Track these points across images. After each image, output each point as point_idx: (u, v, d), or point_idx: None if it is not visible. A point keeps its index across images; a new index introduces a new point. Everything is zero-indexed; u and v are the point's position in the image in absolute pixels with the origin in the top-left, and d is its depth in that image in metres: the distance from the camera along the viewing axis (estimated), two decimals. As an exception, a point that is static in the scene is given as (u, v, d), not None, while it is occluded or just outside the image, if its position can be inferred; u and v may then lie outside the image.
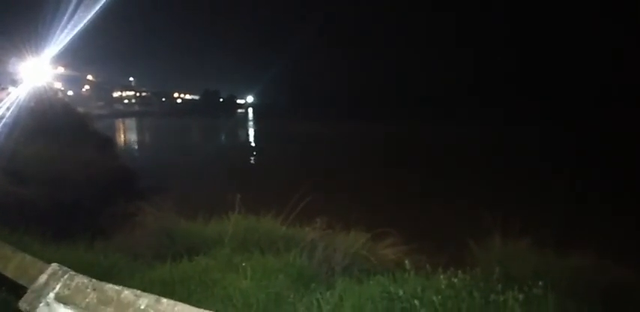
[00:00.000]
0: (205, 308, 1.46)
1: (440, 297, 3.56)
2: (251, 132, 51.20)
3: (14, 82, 21.80)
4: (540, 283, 4.13)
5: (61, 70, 37.70)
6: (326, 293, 3.86)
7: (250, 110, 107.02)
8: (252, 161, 24.23)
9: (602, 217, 9.35)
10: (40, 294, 1.54)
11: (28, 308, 1.55)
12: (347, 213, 7.48)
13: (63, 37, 21.43)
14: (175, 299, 1.57)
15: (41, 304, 1.53)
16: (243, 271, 4.21)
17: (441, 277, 4.19)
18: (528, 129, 32.78)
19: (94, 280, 1.57)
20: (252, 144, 36.15)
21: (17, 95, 19.42)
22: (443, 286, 3.82)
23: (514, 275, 4.85)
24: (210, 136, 48.07)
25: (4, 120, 15.50)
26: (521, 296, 3.74)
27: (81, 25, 20.87)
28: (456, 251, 6.22)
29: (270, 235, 5.75)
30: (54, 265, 1.71)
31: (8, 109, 17.29)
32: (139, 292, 1.56)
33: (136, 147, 34.69)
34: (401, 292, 3.44)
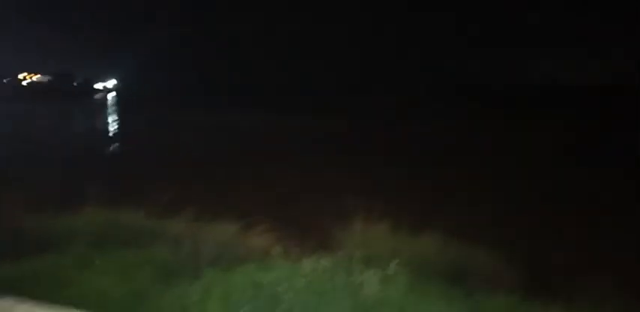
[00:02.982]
0: (58, 309, 1.35)
1: (304, 281, 3.71)
2: (109, 119, 47.53)
3: None
4: (394, 263, 4.54)
5: None
6: (192, 285, 3.78)
7: (110, 96, 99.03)
8: (109, 150, 22.51)
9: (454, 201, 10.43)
10: None
11: None
12: (215, 203, 7.38)
13: None
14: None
15: None
16: (101, 267, 3.94)
17: (305, 261, 4.36)
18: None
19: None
20: (110, 132, 33.54)
21: None
22: (307, 271, 3.98)
23: (373, 257, 5.23)
24: (59, 123, 43.46)
25: None
26: (376, 276, 4.06)
27: None
28: (322, 237, 6.51)
29: (131, 228, 5.43)
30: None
31: None
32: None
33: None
34: (265, 280, 3.50)
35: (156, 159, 16.27)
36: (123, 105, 68.84)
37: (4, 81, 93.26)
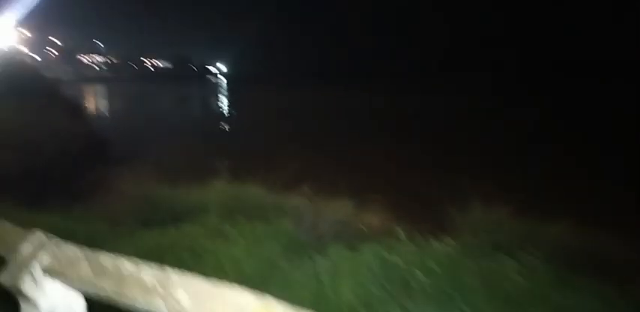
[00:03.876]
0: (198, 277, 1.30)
1: (436, 264, 3.50)
2: (223, 100, 50.26)
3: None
4: (532, 250, 4.15)
5: (25, 33, 35.87)
6: (320, 260, 3.76)
7: (223, 78, 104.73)
8: (229, 128, 23.74)
9: (576, 182, 9.47)
10: (25, 266, 1.34)
11: (10, 283, 1.35)
12: (333, 179, 7.38)
13: (29, -1, 20.19)
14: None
15: (27, 278, 1.33)
16: (233, 238, 4.07)
17: (436, 245, 4.14)
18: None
19: (85, 248, 1.37)
20: (228, 111, 35.39)
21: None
22: (438, 254, 3.76)
23: (502, 242, 4.85)
24: (182, 103, 46.92)
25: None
26: (513, 264, 3.73)
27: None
28: (438, 218, 6.23)
29: (255, 201, 5.59)
30: (38, 233, 1.50)
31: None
32: (139, 261, 1.37)
33: (106, 114, 33.60)
34: (394, 261, 3.35)
35: (272, 136, 16.79)
36: (236, 86, 72.44)
37: (133, 65, 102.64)
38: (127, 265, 1.31)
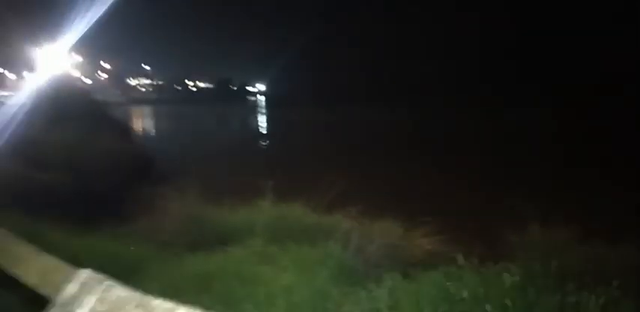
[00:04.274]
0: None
1: (504, 297, 3.19)
2: (263, 119, 50.95)
3: (30, 69, 21.77)
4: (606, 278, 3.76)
5: (78, 58, 37.76)
6: (375, 290, 3.51)
7: (262, 98, 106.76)
8: (269, 147, 23.88)
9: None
10: (69, 309, 1.20)
11: (53, 328, 1.21)
12: (379, 200, 7.14)
13: (80, 24, 21.16)
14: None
15: (71, 323, 1.18)
16: (281, 263, 3.89)
17: (499, 272, 3.81)
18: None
19: (138, 293, 1.21)
20: (267, 131, 35.75)
21: (36, 82, 19.28)
22: (505, 285, 3.44)
23: (567, 269, 4.45)
24: (224, 123, 47.87)
25: (25, 107, 15.35)
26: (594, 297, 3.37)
27: (98, 13, 20.55)
28: (494, 242, 5.85)
29: (301, 223, 5.42)
30: (87, 272, 1.36)
31: (28, 96, 17.18)
32: (196, 310, 1.20)
33: (154, 134, 34.63)
34: (465, 293, 3.06)
35: (314, 156, 16.67)
36: (274, 106, 73.50)
37: (178, 87, 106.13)
38: (182, 312, 1.14)
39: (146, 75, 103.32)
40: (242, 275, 3.64)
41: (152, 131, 36.46)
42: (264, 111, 68.49)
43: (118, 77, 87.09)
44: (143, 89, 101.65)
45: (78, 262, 3.53)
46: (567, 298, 3.15)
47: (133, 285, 3.25)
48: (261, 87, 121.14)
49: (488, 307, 2.86)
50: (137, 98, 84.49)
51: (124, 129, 21.69)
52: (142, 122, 45.50)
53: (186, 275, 3.69)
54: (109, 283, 1.23)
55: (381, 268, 4.50)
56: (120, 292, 1.19)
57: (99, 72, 75.95)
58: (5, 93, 26.88)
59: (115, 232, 5.35)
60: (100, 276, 1.28)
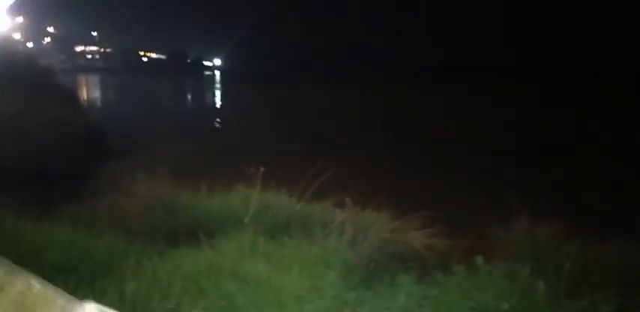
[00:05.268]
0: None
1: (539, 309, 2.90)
2: (218, 93, 49.39)
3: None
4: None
5: (19, 19, 34.77)
6: (391, 296, 3.13)
7: (217, 73, 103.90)
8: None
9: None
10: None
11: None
12: (360, 189, 6.73)
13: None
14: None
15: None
16: (281, 262, 3.43)
17: (519, 276, 3.52)
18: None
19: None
20: (226, 106, 34.59)
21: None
22: (535, 291, 3.16)
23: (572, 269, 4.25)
24: (177, 96, 45.98)
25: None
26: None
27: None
28: (478, 235, 5.63)
29: (291, 214, 4.94)
30: (90, 306, 0.98)
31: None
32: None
33: (102, 104, 32.64)
34: (506, 306, 2.72)
35: (287, 136, 15.76)
36: (230, 81, 71.38)
37: (128, 57, 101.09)
38: None
39: (94, 42, 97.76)
40: (240, 277, 3.14)
41: (101, 102, 34.37)
42: (219, 86, 66.34)
43: (64, 43, 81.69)
44: (90, 56, 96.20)
45: (42, 259, 2.85)
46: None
47: (112, 286, 2.58)
48: (217, 62, 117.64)
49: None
50: (83, 66, 79.80)
51: (69, 98, 20.14)
52: (89, 92, 42.88)
53: (174, 275, 3.15)
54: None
55: (383, 266, 4.14)
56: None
57: (44, 37, 70.88)
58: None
59: (75, 218, 4.67)
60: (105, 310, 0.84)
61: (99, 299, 2.39)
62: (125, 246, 3.96)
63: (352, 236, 4.56)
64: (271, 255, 3.60)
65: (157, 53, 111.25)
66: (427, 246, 5.07)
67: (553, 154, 13.92)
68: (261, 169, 5.33)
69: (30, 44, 47.89)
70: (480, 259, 3.51)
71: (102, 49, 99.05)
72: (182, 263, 3.40)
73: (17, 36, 33.68)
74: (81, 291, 2.76)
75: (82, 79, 53.93)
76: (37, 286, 1.17)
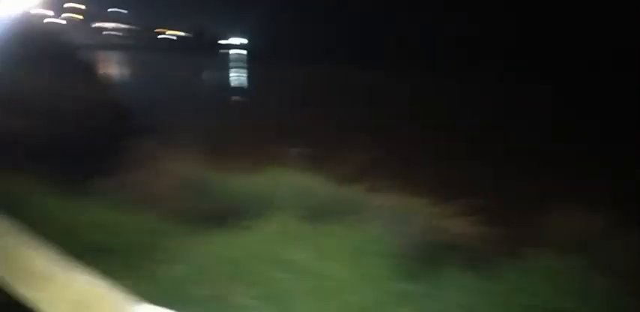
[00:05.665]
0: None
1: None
2: (245, 73, 48.96)
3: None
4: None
5: (48, -4, 34.87)
6: (443, 288, 2.92)
7: (236, 52, 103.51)
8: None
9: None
10: None
11: None
12: (409, 174, 6.48)
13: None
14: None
15: None
16: (325, 249, 3.24)
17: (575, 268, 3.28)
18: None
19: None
20: (237, 85, 34.20)
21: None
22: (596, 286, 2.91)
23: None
24: (203, 76, 45.86)
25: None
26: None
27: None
28: (521, 224, 5.37)
29: (330, 197, 4.73)
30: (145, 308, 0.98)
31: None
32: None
33: (129, 81, 32.64)
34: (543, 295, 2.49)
35: (320, 117, 15.11)
36: (253, 60, 70.77)
37: (151, 34, 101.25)
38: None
39: (117, 19, 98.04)
40: (283, 264, 2.96)
41: (125, 79, 34.36)
42: (244, 65, 65.75)
43: (86, 19, 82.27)
44: (113, 33, 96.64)
45: (77, 237, 2.68)
46: None
47: (151, 267, 2.38)
48: (236, 42, 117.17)
49: None
50: (106, 43, 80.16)
51: (94, 74, 20.15)
52: (116, 68, 43.01)
53: (213, 259, 2.99)
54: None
55: (429, 256, 3.92)
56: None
57: (70, 13, 71.46)
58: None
59: (108, 195, 4.55)
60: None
61: (136, 283, 2.23)
62: (157, 225, 3.83)
63: (393, 222, 4.36)
64: (312, 241, 3.41)
65: (179, 31, 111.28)
66: (469, 234, 4.85)
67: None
68: (296, 149, 5.11)
69: (54, 20, 48.20)
70: (531, 251, 3.28)
71: (125, 26, 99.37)
72: (219, 246, 3.24)
73: (45, 12, 33.87)
74: (117, 273, 2.63)
75: (105, 56, 54.19)
76: (96, 283, 1.02)
